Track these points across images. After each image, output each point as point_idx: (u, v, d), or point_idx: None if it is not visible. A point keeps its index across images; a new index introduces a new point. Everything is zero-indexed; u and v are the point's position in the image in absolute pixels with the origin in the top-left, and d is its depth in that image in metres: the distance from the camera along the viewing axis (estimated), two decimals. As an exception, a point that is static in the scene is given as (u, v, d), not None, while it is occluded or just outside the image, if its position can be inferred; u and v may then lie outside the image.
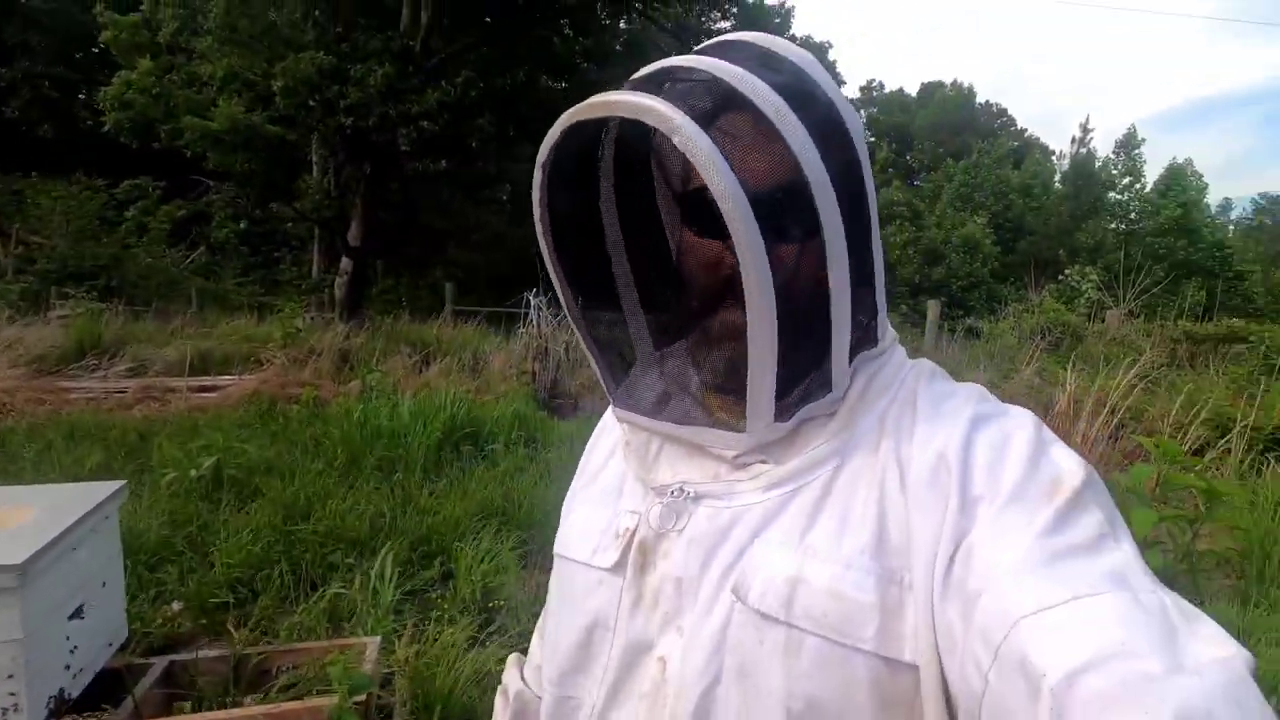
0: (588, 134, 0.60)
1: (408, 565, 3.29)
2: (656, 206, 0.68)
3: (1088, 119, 43.55)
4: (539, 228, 0.63)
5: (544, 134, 0.58)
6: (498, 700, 0.87)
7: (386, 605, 2.85)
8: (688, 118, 0.49)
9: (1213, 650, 0.38)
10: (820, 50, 18.45)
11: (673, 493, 0.63)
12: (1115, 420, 4.72)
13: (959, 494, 0.51)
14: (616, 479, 0.72)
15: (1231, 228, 36.04)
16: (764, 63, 0.56)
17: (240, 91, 11.78)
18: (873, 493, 0.56)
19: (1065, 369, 5.38)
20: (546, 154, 0.59)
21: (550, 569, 0.78)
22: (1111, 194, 28.97)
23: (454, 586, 3.15)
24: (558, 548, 0.74)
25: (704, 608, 0.58)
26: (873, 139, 36.54)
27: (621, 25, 19.16)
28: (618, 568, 0.65)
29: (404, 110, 11.24)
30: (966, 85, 37.98)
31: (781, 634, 0.53)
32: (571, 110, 0.55)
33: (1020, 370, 6.52)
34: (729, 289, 0.56)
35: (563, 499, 0.79)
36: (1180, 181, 26.75)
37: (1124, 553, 0.46)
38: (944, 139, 35.11)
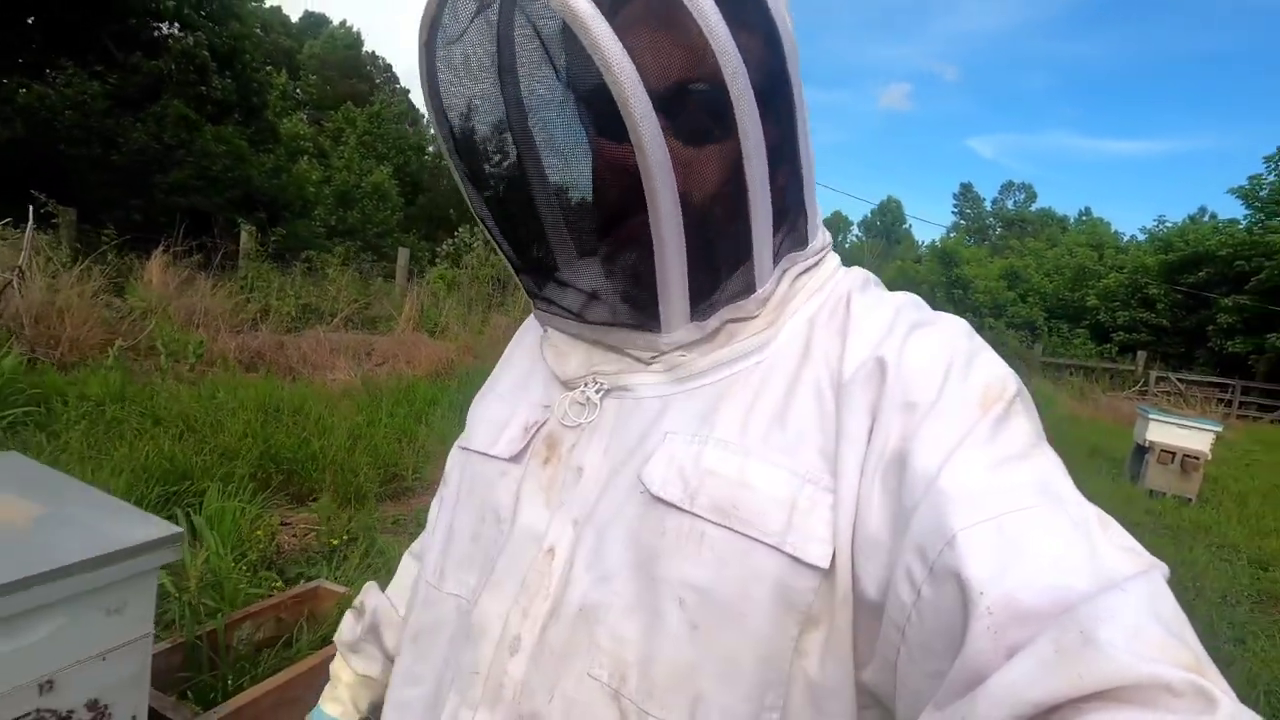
0: (470, 9, 0.52)
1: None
2: (559, 98, 0.55)
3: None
4: (432, 117, 0.57)
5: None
6: (347, 617, 0.81)
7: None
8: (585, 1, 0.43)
9: (1133, 563, 0.39)
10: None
11: (585, 385, 0.60)
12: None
13: (894, 399, 0.49)
14: (531, 374, 0.68)
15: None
16: None
17: None
18: (798, 391, 0.54)
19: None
20: (426, 31, 0.52)
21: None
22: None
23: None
24: (461, 441, 0.70)
25: (605, 499, 0.55)
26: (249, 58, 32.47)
27: None
28: (519, 458, 0.62)
29: None
30: (355, 29, 37.54)
31: (686, 523, 0.51)
32: None
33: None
34: (638, 189, 0.49)
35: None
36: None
37: (1052, 462, 0.46)
38: (333, 79, 34.02)
